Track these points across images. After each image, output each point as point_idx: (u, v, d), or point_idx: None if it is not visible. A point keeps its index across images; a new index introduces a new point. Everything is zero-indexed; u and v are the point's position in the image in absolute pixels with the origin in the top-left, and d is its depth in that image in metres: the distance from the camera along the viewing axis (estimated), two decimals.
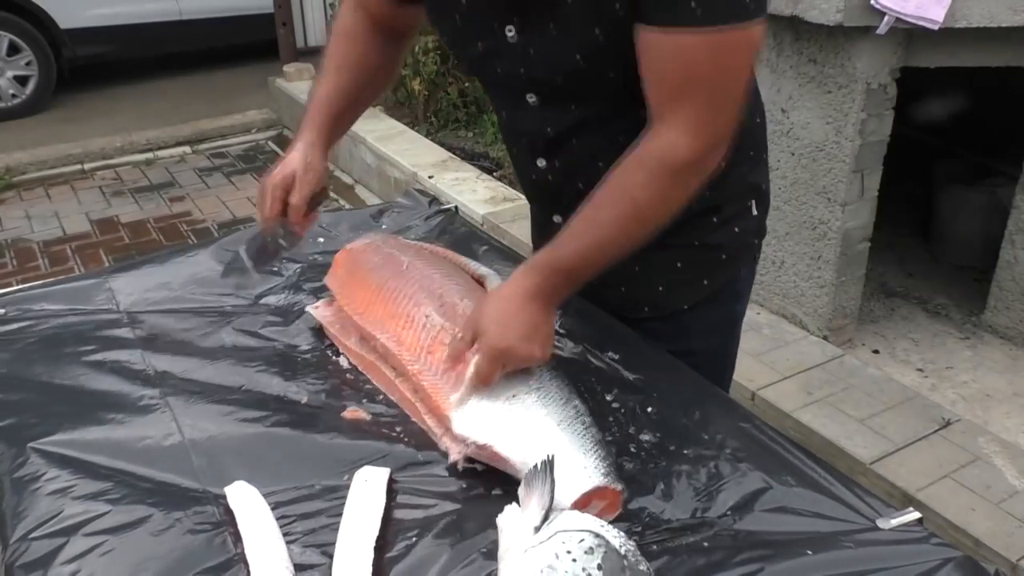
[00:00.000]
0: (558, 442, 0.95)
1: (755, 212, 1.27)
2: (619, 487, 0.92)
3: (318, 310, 1.28)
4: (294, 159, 1.22)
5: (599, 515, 0.89)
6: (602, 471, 0.92)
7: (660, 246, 1.10)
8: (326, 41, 1.30)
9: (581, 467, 0.92)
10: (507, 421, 0.99)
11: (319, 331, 1.28)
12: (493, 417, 0.99)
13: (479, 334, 1.02)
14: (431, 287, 1.18)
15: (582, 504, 0.90)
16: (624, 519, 0.92)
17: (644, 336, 1.26)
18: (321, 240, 1.56)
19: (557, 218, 1.25)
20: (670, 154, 1.01)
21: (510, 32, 1.09)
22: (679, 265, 1.23)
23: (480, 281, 1.26)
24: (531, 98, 1.15)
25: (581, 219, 1.05)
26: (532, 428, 0.98)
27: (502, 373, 1.02)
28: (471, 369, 1.02)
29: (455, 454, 1.00)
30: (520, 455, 0.94)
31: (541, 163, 1.22)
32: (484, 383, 1.01)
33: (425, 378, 1.07)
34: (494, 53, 1.13)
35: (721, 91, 0.99)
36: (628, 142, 1.04)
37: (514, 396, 1.01)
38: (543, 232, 1.30)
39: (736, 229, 1.25)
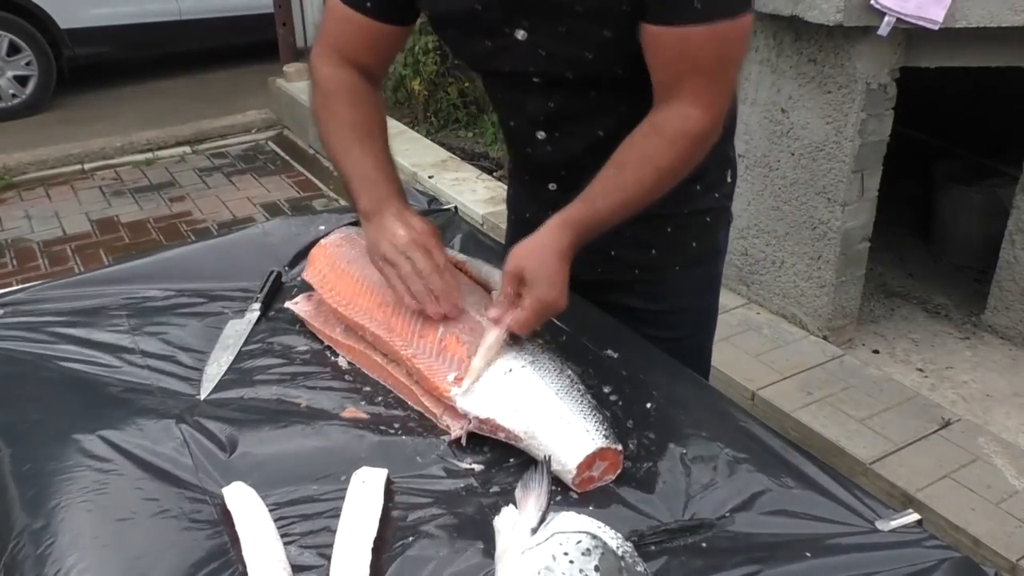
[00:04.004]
0: (557, 409, 1.00)
1: (728, 179, 1.39)
2: (619, 447, 0.98)
3: (298, 305, 1.30)
4: (408, 233, 1.13)
5: (601, 476, 0.96)
6: (603, 433, 0.97)
7: (654, 215, 1.21)
8: (318, 95, 1.24)
9: (583, 431, 0.97)
10: (506, 394, 1.03)
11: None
12: (493, 391, 1.03)
13: (530, 287, 1.08)
14: None
15: (586, 465, 0.95)
16: (621, 520, 0.91)
17: (636, 297, 1.38)
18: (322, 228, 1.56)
19: (552, 186, 1.31)
20: (686, 123, 1.11)
21: (520, 34, 1.14)
22: (669, 230, 1.34)
23: (458, 266, 1.28)
24: (536, 80, 1.20)
25: (605, 181, 1.13)
26: (531, 398, 1.02)
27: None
28: (491, 336, 1.07)
29: (457, 430, 1.03)
30: (522, 425, 0.99)
31: (540, 135, 1.27)
32: (524, 330, 1.08)
33: (421, 361, 1.09)
34: (502, 51, 1.18)
35: (722, 73, 1.12)
36: (628, 111, 1.15)
37: (510, 370, 1.05)
38: (536, 199, 1.36)
39: (716, 195, 1.37)
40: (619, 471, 0.98)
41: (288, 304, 1.31)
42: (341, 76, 1.23)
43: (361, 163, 1.19)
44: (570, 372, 1.07)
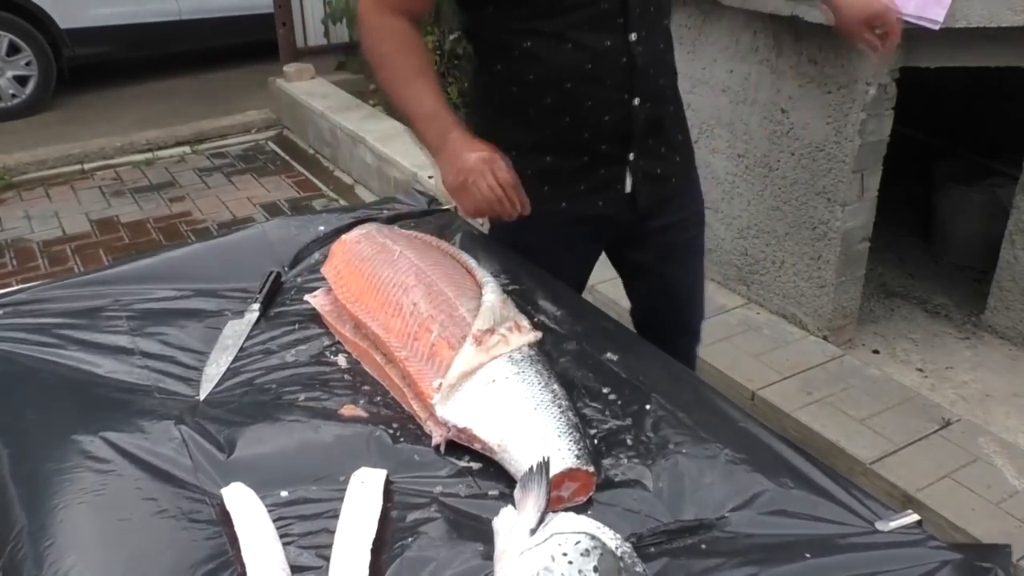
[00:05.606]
0: (532, 424, 0.98)
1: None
2: (591, 469, 0.95)
3: (316, 298, 1.31)
4: (475, 155, 1.32)
5: (571, 497, 0.94)
6: (575, 453, 0.95)
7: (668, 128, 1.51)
8: (370, 42, 1.40)
9: (555, 449, 0.95)
10: (485, 405, 1.01)
11: (317, 333, 1.28)
12: (472, 401, 1.02)
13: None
14: (419, 276, 1.20)
15: (554, 485, 0.92)
16: (620, 521, 0.91)
17: (670, 214, 1.59)
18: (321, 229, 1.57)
19: (636, 100, 1.44)
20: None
21: None
22: (680, 138, 1.59)
23: (471, 272, 1.28)
24: (620, 20, 1.34)
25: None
26: (508, 411, 1.00)
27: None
28: (469, 349, 1.07)
29: (437, 437, 1.02)
30: (496, 437, 0.98)
31: (631, 98, 1.41)
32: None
33: (411, 364, 1.09)
34: None
35: None
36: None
37: (493, 381, 1.04)
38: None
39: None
40: (591, 493, 0.95)
41: (307, 297, 1.32)
42: (390, 24, 1.38)
43: (419, 102, 1.36)
44: (555, 387, 1.04)
